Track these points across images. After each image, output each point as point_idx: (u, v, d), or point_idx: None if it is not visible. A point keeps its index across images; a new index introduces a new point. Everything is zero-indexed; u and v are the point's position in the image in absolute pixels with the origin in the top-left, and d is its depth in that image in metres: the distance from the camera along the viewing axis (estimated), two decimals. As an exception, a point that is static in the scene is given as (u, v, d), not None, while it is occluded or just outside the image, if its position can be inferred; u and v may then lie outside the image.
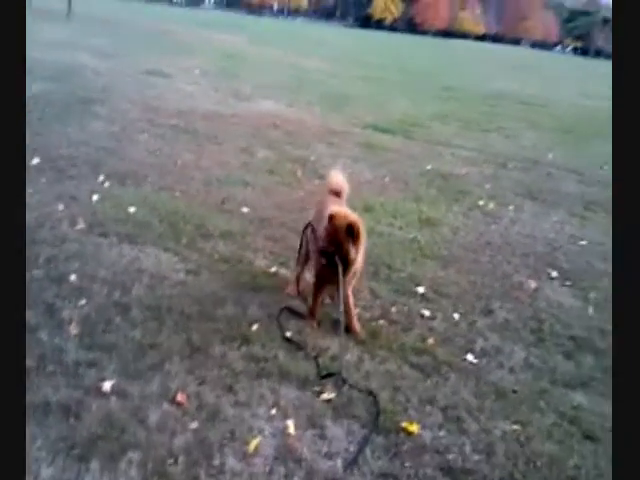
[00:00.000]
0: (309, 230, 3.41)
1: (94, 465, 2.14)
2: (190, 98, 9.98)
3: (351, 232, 2.98)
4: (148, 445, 2.27)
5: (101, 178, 5.18)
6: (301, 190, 5.78)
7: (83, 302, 3.16)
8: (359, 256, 3.10)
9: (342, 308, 3.04)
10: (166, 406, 2.49)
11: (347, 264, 3.06)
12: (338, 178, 3.63)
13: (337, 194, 3.54)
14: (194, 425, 2.40)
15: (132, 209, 4.56)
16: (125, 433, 2.32)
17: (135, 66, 12.29)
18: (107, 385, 2.55)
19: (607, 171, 8.42)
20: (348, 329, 3.21)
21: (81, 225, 4.14)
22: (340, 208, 3.19)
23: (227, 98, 10.56)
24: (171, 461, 2.21)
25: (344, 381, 2.77)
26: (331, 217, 3.02)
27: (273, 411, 2.55)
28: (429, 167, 7.32)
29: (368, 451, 2.39)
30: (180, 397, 2.54)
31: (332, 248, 3.02)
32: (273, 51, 21.44)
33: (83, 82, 9.60)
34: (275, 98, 11.25)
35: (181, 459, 2.22)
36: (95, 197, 4.70)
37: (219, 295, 3.47)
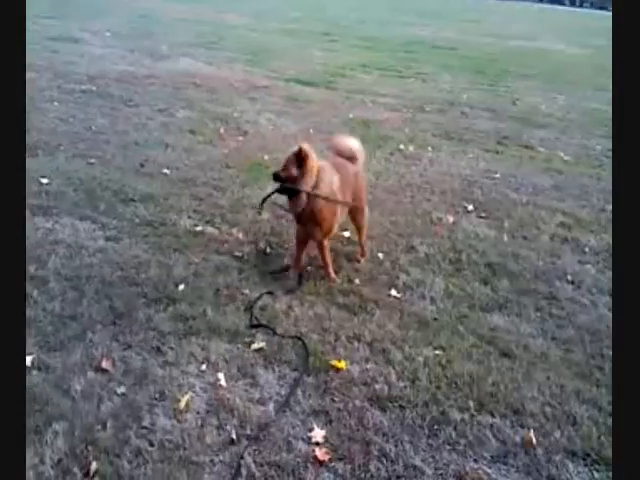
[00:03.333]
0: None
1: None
2: (102, 61, 9.45)
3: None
4: (74, 414, 2.24)
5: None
6: (225, 148, 5.66)
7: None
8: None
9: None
10: (91, 374, 2.45)
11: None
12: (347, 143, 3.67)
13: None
14: (122, 390, 2.39)
15: (45, 180, 4.36)
16: (49, 405, 2.27)
17: (41, 32, 11.41)
18: (27, 360, 2.47)
19: (518, 106, 8.78)
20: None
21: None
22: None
23: (142, 59, 10.06)
24: (99, 427, 2.20)
25: (273, 331, 2.82)
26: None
27: (203, 367, 2.56)
28: (351, 116, 7.32)
29: (299, 392, 2.45)
30: (105, 364, 2.51)
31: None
32: (188, 8, 20.43)
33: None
34: (194, 56, 10.81)
35: (110, 424, 2.21)
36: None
37: (142, 259, 3.40)
